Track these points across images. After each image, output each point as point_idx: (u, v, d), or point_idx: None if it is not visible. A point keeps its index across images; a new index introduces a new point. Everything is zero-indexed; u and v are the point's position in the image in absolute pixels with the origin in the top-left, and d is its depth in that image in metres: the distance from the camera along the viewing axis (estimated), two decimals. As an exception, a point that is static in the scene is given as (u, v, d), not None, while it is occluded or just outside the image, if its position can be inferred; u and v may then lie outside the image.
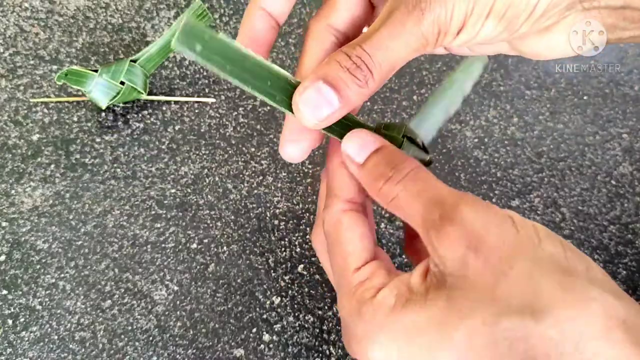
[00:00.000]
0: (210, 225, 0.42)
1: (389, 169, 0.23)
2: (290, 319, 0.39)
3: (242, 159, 0.45)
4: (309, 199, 0.43)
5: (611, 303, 0.18)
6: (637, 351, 0.17)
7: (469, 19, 0.22)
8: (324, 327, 0.38)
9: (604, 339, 0.17)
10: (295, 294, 0.39)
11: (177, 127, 0.46)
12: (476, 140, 0.47)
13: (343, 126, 0.25)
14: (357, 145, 0.24)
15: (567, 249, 0.20)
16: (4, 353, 0.36)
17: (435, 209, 0.21)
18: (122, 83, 0.44)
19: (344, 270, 0.23)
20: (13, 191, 0.43)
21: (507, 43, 0.26)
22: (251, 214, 0.43)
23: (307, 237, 0.42)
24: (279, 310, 0.39)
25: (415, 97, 0.49)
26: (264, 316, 0.39)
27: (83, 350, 0.37)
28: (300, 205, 0.43)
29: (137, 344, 0.37)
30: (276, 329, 0.38)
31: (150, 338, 0.38)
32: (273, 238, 0.42)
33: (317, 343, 0.38)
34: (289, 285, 0.40)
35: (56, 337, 0.37)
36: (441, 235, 0.20)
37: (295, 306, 0.39)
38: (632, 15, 0.23)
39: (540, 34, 0.24)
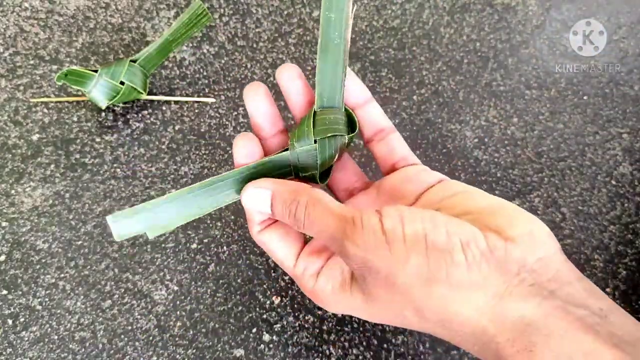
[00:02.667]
0: (210, 225, 0.42)
1: (289, 207, 0.27)
2: (290, 319, 0.39)
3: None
4: (309, 199, 0.43)
5: (463, 297, 0.23)
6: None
7: None
8: (324, 327, 0.38)
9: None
10: (295, 294, 0.39)
11: (177, 127, 0.46)
12: (476, 140, 0.47)
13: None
14: (255, 201, 0.28)
15: (430, 266, 0.23)
16: (4, 353, 0.36)
17: (332, 243, 0.25)
18: (122, 83, 0.44)
19: (286, 269, 0.29)
20: (13, 191, 0.43)
21: None
22: (251, 214, 0.43)
23: (307, 236, 0.42)
24: (279, 310, 0.39)
25: (415, 97, 0.49)
26: (264, 316, 0.39)
27: (83, 350, 0.37)
28: (300, 205, 0.43)
29: (137, 344, 0.37)
30: (276, 329, 0.38)
31: (150, 338, 0.38)
32: (273, 238, 0.42)
33: (317, 343, 0.38)
34: (289, 285, 0.40)
35: (56, 337, 0.37)
36: (344, 256, 0.25)
37: (295, 306, 0.39)
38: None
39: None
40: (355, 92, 0.31)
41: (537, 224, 0.24)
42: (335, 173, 0.33)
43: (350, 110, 0.31)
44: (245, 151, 0.29)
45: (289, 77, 0.31)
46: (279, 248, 0.29)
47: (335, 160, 0.30)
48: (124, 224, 0.27)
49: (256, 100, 0.30)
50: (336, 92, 0.30)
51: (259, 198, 0.28)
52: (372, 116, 0.32)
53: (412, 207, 0.25)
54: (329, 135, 0.29)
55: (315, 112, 0.29)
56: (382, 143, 0.32)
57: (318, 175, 0.30)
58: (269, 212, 0.28)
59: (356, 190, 0.33)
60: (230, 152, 0.45)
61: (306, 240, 0.30)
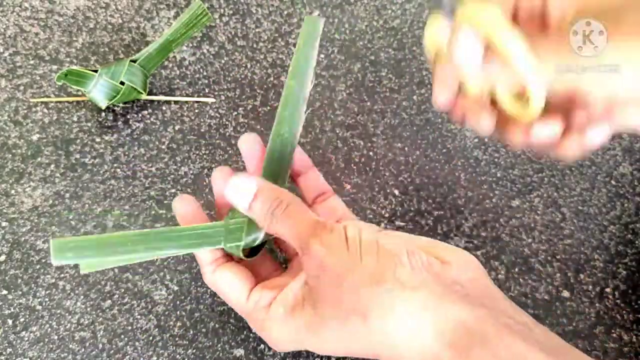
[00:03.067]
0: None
1: (271, 208, 0.29)
2: (290, 319, 0.39)
3: (242, 159, 0.45)
4: (309, 199, 0.43)
5: (409, 298, 0.25)
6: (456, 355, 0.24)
7: None
8: (324, 327, 0.38)
9: (421, 342, 0.25)
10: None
11: (177, 127, 0.46)
12: (476, 140, 0.47)
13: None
14: (239, 194, 0.30)
15: (380, 263, 0.26)
16: (4, 353, 0.36)
17: (300, 239, 0.28)
18: (122, 83, 0.44)
19: (239, 306, 0.31)
20: (13, 191, 0.43)
21: None
22: (251, 214, 0.43)
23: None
24: (279, 310, 0.39)
25: (415, 97, 0.49)
26: (264, 316, 0.39)
27: (83, 350, 0.37)
28: (300, 205, 0.43)
29: (137, 344, 0.37)
30: (276, 329, 0.38)
31: (150, 338, 0.38)
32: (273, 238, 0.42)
33: (317, 343, 0.38)
34: (289, 285, 0.40)
35: (56, 337, 0.37)
36: (305, 258, 0.28)
37: (295, 306, 0.39)
38: None
39: None
40: (299, 162, 0.36)
41: (468, 255, 0.28)
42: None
43: None
44: (184, 211, 0.33)
45: (248, 145, 0.35)
46: (232, 284, 0.31)
47: (262, 239, 0.32)
48: (66, 253, 0.29)
49: (221, 184, 0.33)
50: (283, 171, 0.34)
51: (243, 189, 0.30)
52: (314, 182, 0.36)
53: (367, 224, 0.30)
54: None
55: None
56: (324, 204, 0.35)
57: (241, 248, 0.32)
58: (245, 207, 0.30)
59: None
60: (230, 152, 0.45)
61: (257, 281, 0.32)
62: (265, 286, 0.31)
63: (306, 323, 0.28)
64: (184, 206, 0.34)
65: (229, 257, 0.33)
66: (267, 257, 0.36)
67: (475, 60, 0.25)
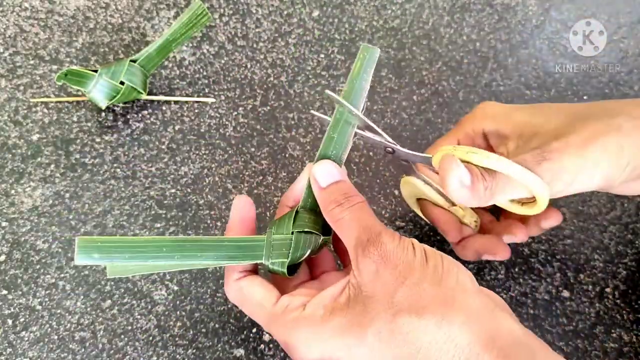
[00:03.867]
0: (210, 225, 0.42)
1: (342, 197, 0.30)
2: (290, 319, 0.39)
3: (242, 159, 0.45)
4: (309, 199, 0.43)
5: (470, 303, 0.26)
6: None
7: (578, 175, 0.31)
8: (324, 327, 0.38)
9: (477, 344, 0.25)
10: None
11: (177, 127, 0.46)
12: (476, 140, 0.47)
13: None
14: (323, 173, 0.31)
15: (444, 267, 0.27)
16: (4, 353, 0.36)
17: (365, 233, 0.28)
18: (122, 83, 0.44)
19: (265, 310, 0.30)
20: (13, 191, 0.43)
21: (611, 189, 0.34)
22: (251, 214, 0.43)
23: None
24: (279, 310, 0.39)
25: (415, 97, 0.49)
26: (264, 316, 0.39)
27: (83, 350, 0.37)
28: (300, 205, 0.43)
29: (137, 344, 0.37)
30: (276, 329, 0.38)
31: (150, 338, 0.38)
32: (273, 238, 0.42)
33: (317, 343, 0.38)
34: (289, 285, 0.40)
35: (56, 337, 0.37)
36: (365, 252, 0.28)
37: (295, 306, 0.39)
38: None
39: (633, 181, 0.33)
40: None
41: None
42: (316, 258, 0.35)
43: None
44: (240, 216, 0.33)
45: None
46: (258, 290, 0.30)
47: (305, 257, 0.31)
48: (92, 253, 0.27)
49: (240, 210, 0.33)
50: (359, 107, 0.33)
51: (329, 172, 0.31)
52: None
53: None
54: (306, 230, 0.31)
55: (297, 210, 0.32)
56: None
57: (287, 265, 0.31)
58: (322, 187, 0.31)
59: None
60: (230, 152, 0.45)
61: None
62: (295, 293, 0.30)
63: (349, 322, 0.27)
64: (242, 207, 0.33)
65: (254, 271, 0.32)
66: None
67: (465, 191, 0.30)
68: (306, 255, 0.31)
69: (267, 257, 0.30)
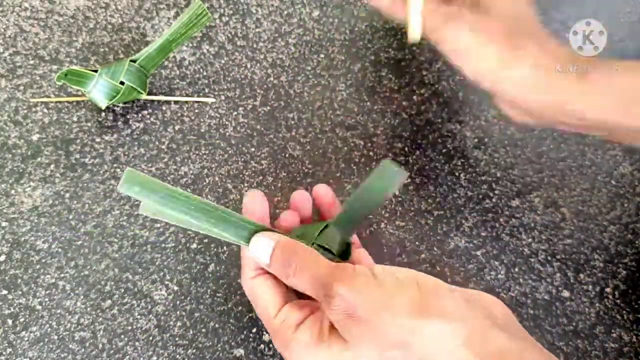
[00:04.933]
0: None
1: (285, 268, 0.30)
2: (290, 319, 0.39)
3: (242, 159, 0.45)
4: (309, 199, 0.43)
5: (453, 328, 0.25)
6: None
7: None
8: (324, 327, 0.38)
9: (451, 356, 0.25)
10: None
11: (177, 127, 0.46)
12: (476, 140, 0.47)
13: (235, 228, 0.32)
14: (258, 252, 0.31)
15: (422, 292, 0.27)
16: (4, 353, 0.36)
17: (318, 290, 0.28)
18: (122, 83, 0.44)
19: (267, 318, 0.31)
20: (13, 191, 0.43)
21: None
22: (251, 214, 0.43)
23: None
24: (279, 310, 0.39)
25: (415, 97, 0.49)
26: (264, 316, 0.39)
27: (83, 350, 0.37)
28: (300, 205, 0.43)
29: (137, 344, 0.37)
30: (276, 329, 0.38)
31: (150, 338, 0.38)
32: (273, 238, 0.42)
33: (317, 343, 0.38)
34: (289, 285, 0.40)
35: (56, 337, 0.37)
36: (327, 308, 0.27)
37: (295, 306, 0.39)
38: None
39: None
40: None
41: (492, 296, 0.29)
42: None
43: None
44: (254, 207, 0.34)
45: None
46: (266, 295, 0.31)
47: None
48: (134, 186, 0.29)
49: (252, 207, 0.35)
50: (356, 222, 0.35)
51: (263, 248, 0.31)
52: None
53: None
54: (325, 246, 0.33)
55: (327, 224, 0.34)
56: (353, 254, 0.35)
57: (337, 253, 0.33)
58: (267, 263, 0.31)
59: None
60: (230, 152, 0.45)
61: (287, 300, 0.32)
62: (296, 306, 0.31)
63: (335, 356, 0.27)
64: (253, 202, 0.34)
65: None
66: None
67: None
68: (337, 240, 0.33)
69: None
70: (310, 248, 0.31)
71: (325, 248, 0.32)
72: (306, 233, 0.33)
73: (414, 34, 0.35)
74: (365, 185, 0.35)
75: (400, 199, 0.44)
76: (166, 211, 0.30)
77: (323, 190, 0.37)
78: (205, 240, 0.41)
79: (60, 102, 0.47)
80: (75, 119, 0.46)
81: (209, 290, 0.39)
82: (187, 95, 0.48)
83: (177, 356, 0.37)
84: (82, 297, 0.39)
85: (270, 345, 0.38)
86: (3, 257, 0.40)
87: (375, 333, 0.26)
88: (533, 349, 0.26)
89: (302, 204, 0.37)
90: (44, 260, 0.40)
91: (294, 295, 0.32)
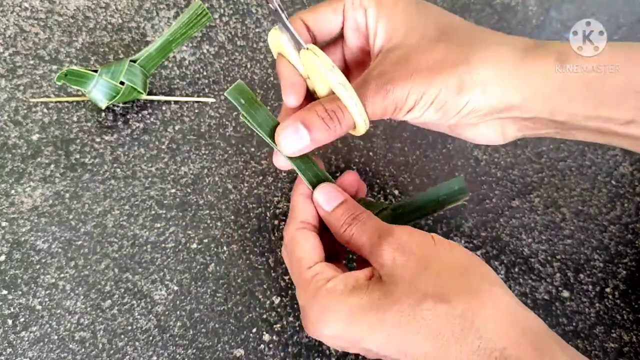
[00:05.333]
0: (210, 225, 0.42)
1: (350, 218, 0.31)
2: (290, 319, 0.39)
3: (242, 159, 0.45)
4: (309, 199, 0.43)
5: (499, 295, 0.26)
6: (537, 354, 0.24)
7: (417, 105, 0.31)
8: (324, 327, 0.38)
9: (505, 337, 0.25)
10: (295, 293, 0.39)
11: (177, 127, 0.46)
12: (476, 140, 0.47)
13: (311, 170, 0.33)
14: (326, 197, 0.32)
15: (469, 257, 0.28)
16: (4, 353, 0.36)
17: (375, 234, 0.29)
18: (122, 83, 0.44)
19: (299, 269, 0.30)
20: (13, 191, 0.43)
21: (448, 127, 0.35)
22: (251, 214, 0.43)
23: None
24: (279, 310, 0.39)
25: (415, 97, 0.49)
26: (264, 316, 0.39)
27: (83, 350, 0.37)
28: (300, 205, 0.43)
29: (137, 344, 0.37)
30: (276, 329, 0.38)
31: (150, 338, 0.38)
32: (273, 238, 0.42)
33: (317, 343, 0.38)
34: (289, 285, 0.40)
35: (56, 337, 0.37)
36: (379, 247, 0.28)
37: (295, 306, 0.39)
38: (541, 121, 0.31)
39: (470, 126, 0.33)
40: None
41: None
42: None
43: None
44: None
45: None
46: (307, 246, 0.31)
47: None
48: (239, 97, 0.33)
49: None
50: None
51: (331, 197, 0.32)
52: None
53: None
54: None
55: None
56: None
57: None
58: (329, 209, 0.32)
59: None
60: (230, 152, 0.45)
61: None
62: (330, 265, 0.31)
63: (369, 303, 0.27)
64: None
65: (316, 229, 0.33)
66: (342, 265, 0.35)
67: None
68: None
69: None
70: (369, 212, 0.32)
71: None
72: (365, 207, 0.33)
73: (363, 126, 0.32)
74: (434, 190, 0.36)
75: (400, 199, 0.44)
76: (258, 128, 0.33)
77: (349, 179, 0.36)
78: (205, 241, 0.41)
79: (60, 102, 0.47)
80: (75, 119, 0.46)
81: (209, 290, 0.39)
82: (187, 95, 0.48)
83: (177, 356, 0.37)
84: (82, 297, 0.39)
85: (270, 345, 0.38)
86: (3, 257, 0.40)
87: (416, 281, 0.26)
88: (554, 336, 0.27)
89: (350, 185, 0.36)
90: (44, 260, 0.40)
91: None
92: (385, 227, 0.30)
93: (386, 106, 0.31)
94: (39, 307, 0.38)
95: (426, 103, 0.31)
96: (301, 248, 0.31)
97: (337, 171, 0.45)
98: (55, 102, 0.47)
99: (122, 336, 0.37)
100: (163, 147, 0.45)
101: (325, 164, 0.45)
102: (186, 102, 0.48)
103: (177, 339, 0.38)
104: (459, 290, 0.26)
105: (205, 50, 0.50)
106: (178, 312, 0.38)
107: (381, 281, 0.28)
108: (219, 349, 0.37)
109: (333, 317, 0.27)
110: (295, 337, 0.38)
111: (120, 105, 0.47)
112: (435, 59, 0.30)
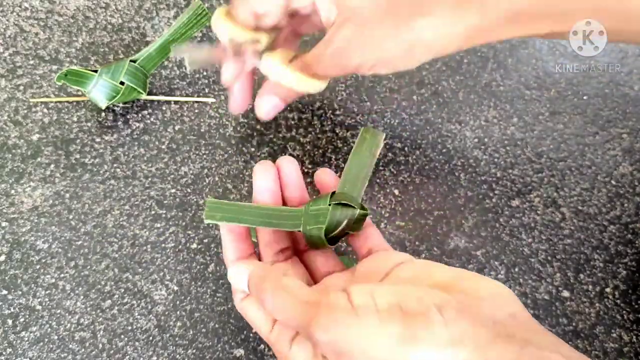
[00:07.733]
0: (210, 225, 0.42)
1: (257, 298, 0.28)
2: (290, 319, 0.39)
3: (242, 159, 0.45)
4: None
5: (446, 354, 0.23)
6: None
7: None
8: (324, 327, 0.38)
9: None
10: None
11: (177, 127, 0.46)
12: (476, 140, 0.47)
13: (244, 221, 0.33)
14: (236, 280, 0.30)
15: (405, 322, 0.23)
16: (4, 353, 0.36)
17: (298, 327, 0.26)
18: (122, 83, 0.44)
19: (264, 336, 0.30)
20: (13, 191, 0.43)
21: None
22: (251, 214, 0.43)
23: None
24: (279, 310, 0.39)
25: (415, 97, 0.49)
26: (264, 316, 0.39)
27: (83, 350, 0.37)
28: (300, 205, 0.43)
29: (137, 344, 0.37)
30: (276, 329, 0.38)
31: (150, 338, 0.38)
32: (273, 238, 0.42)
33: (317, 343, 0.38)
34: (289, 285, 0.40)
35: (56, 337, 0.37)
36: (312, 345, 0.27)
37: (295, 306, 0.39)
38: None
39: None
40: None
41: (500, 286, 0.26)
42: (317, 256, 0.34)
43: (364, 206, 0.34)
44: (265, 185, 0.33)
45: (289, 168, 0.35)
46: (257, 316, 0.30)
47: (341, 229, 0.32)
48: (215, 214, 0.32)
49: (264, 178, 0.34)
50: (358, 185, 0.35)
51: (240, 278, 0.30)
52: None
53: (380, 283, 0.27)
54: (343, 202, 0.32)
55: (334, 192, 0.33)
56: (359, 233, 0.34)
57: (324, 230, 0.32)
58: (245, 292, 0.30)
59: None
60: (230, 152, 0.45)
61: None
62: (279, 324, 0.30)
63: None
64: (264, 178, 0.34)
65: None
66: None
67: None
68: (343, 224, 0.32)
69: (305, 225, 0.32)
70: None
71: (344, 204, 0.32)
72: (318, 200, 0.33)
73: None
74: (354, 152, 0.36)
75: (400, 198, 0.44)
76: (233, 221, 0.32)
77: (323, 177, 0.36)
78: (205, 241, 0.41)
79: (60, 102, 0.47)
80: (75, 119, 0.46)
81: (209, 290, 0.39)
82: (187, 95, 0.48)
83: (177, 356, 0.37)
84: (82, 297, 0.39)
85: (270, 345, 0.38)
86: (3, 257, 0.40)
87: None
88: (539, 355, 0.23)
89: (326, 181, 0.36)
90: (44, 260, 0.40)
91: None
92: (299, 319, 0.25)
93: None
94: (39, 307, 0.38)
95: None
96: (253, 319, 0.31)
97: (337, 170, 0.45)
98: (55, 102, 0.47)
99: (122, 336, 0.37)
100: (163, 147, 0.45)
101: (326, 164, 0.45)
102: (186, 102, 0.48)
103: (177, 339, 0.38)
104: None
105: (205, 50, 0.50)
106: (178, 312, 0.38)
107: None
108: (219, 349, 0.37)
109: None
110: (295, 337, 0.38)
111: (120, 105, 0.47)
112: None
